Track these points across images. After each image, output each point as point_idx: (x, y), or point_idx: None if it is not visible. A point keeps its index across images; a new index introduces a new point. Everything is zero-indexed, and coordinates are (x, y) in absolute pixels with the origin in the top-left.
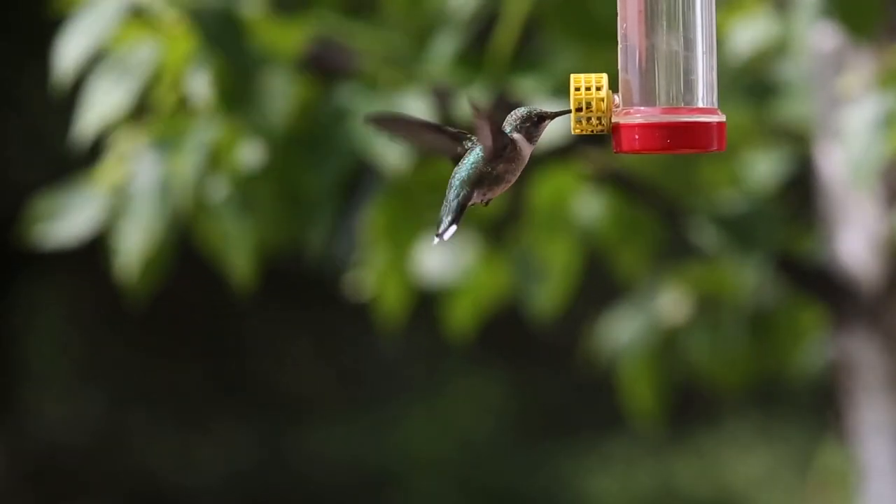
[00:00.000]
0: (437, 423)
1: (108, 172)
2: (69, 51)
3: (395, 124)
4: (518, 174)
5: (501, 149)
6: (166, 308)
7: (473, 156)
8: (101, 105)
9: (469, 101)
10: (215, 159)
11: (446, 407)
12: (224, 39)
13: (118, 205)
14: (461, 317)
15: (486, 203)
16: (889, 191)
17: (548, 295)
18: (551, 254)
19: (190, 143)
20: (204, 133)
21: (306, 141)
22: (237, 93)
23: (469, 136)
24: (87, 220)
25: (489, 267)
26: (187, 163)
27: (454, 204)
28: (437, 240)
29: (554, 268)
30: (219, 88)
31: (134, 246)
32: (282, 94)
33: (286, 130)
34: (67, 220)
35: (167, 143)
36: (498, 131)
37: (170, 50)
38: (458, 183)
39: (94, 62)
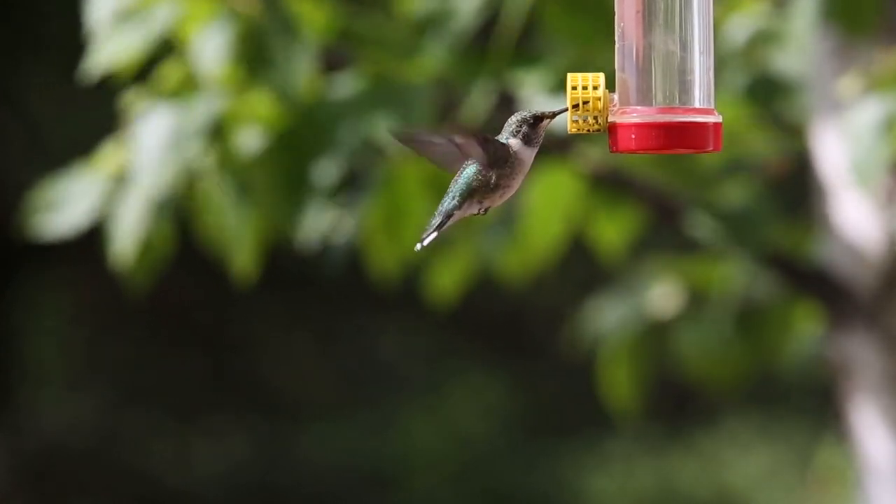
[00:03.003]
0: (437, 423)
1: (108, 157)
2: (99, 9)
3: (416, 140)
4: (518, 182)
5: (494, 159)
6: (166, 308)
7: (473, 166)
8: (115, 46)
9: (452, 129)
10: (217, 139)
11: (446, 407)
12: None
13: (117, 190)
14: (445, 285)
15: (485, 212)
16: (886, 189)
17: (519, 260)
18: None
19: (197, 107)
20: (212, 102)
21: (311, 132)
22: (272, 49)
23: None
24: (87, 209)
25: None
26: (196, 121)
27: (441, 213)
28: (418, 245)
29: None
30: (240, 48)
31: (131, 224)
32: (306, 58)
33: (292, 117)
34: (66, 209)
35: (175, 103)
36: (486, 143)
37: (193, 11)
38: (451, 193)
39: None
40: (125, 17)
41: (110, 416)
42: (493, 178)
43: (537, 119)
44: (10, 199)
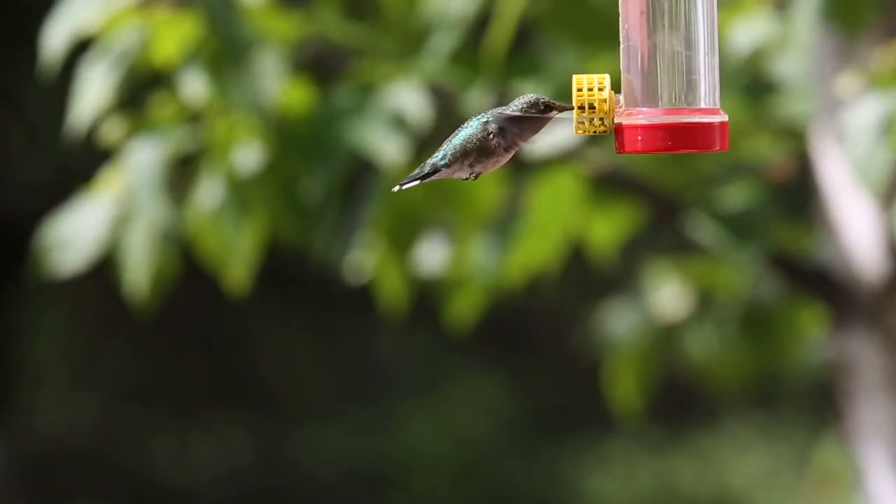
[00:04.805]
0: (437, 423)
1: (108, 183)
2: (55, 36)
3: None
4: (510, 154)
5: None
6: (166, 308)
7: (470, 128)
8: (93, 94)
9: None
10: (212, 160)
11: (446, 407)
12: (218, 13)
13: (121, 217)
14: (462, 308)
15: (476, 177)
16: (887, 190)
17: (516, 262)
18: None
19: (186, 135)
20: (201, 131)
21: (305, 143)
22: (229, 70)
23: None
24: (94, 242)
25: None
26: (185, 149)
27: (428, 164)
28: (396, 188)
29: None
30: (212, 68)
31: (141, 255)
32: (273, 75)
33: (284, 129)
34: (75, 245)
35: (163, 134)
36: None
37: (161, 35)
38: (443, 149)
39: (83, 50)
40: (99, 55)
41: (110, 416)
42: (491, 143)
43: (547, 108)
44: (10, 198)
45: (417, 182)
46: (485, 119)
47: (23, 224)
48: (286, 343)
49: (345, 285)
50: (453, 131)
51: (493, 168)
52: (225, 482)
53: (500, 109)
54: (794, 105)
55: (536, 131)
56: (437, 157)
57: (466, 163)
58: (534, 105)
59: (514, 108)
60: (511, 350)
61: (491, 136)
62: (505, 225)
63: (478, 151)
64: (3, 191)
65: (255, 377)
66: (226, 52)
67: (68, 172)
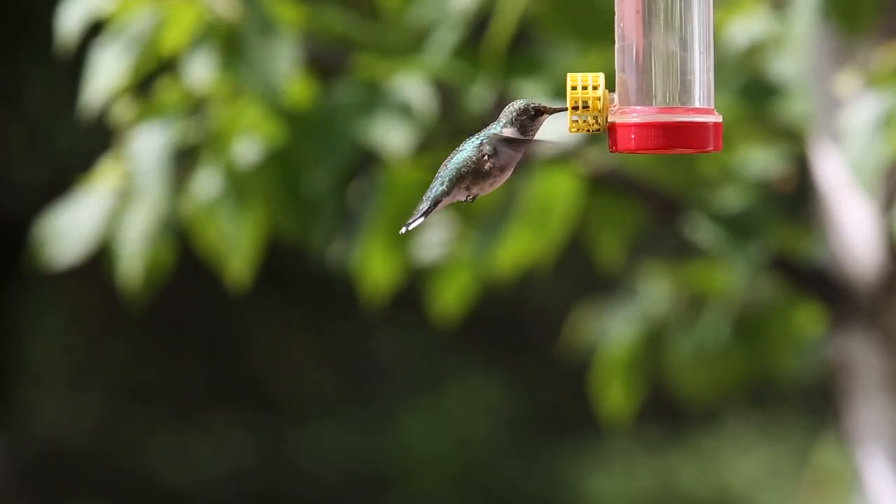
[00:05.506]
0: (437, 423)
1: (107, 174)
2: (70, 18)
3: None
4: (509, 171)
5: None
6: (166, 308)
7: (464, 151)
8: (105, 76)
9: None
10: (213, 150)
11: (446, 407)
12: None
13: (119, 209)
14: (448, 300)
15: (473, 199)
16: (886, 190)
17: (508, 254)
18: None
19: (191, 122)
20: (205, 116)
21: (308, 135)
22: (253, 47)
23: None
24: (91, 234)
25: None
26: (190, 137)
27: (429, 198)
28: (403, 230)
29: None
30: (225, 51)
31: (137, 245)
32: (286, 58)
33: (289, 121)
34: (71, 237)
35: (169, 120)
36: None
37: (173, 19)
38: (439, 178)
39: (96, 33)
40: (111, 38)
41: (110, 416)
42: (485, 165)
43: (538, 112)
44: (10, 198)
45: (423, 219)
46: (478, 141)
47: (22, 224)
48: (286, 342)
49: (345, 284)
50: (454, 124)
51: (491, 189)
52: (225, 482)
53: (492, 125)
54: (792, 105)
55: (529, 142)
56: (435, 188)
57: (463, 186)
58: (524, 111)
59: (505, 116)
60: (511, 350)
61: (485, 158)
62: (499, 218)
63: (473, 174)
64: (3, 191)
65: (255, 377)
66: (250, 32)
67: (68, 173)
